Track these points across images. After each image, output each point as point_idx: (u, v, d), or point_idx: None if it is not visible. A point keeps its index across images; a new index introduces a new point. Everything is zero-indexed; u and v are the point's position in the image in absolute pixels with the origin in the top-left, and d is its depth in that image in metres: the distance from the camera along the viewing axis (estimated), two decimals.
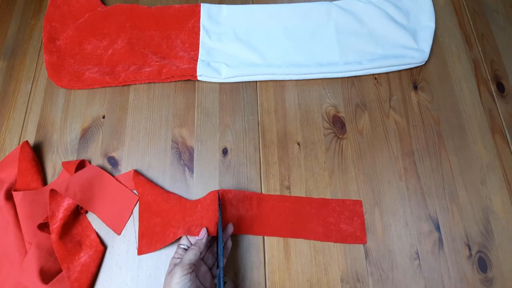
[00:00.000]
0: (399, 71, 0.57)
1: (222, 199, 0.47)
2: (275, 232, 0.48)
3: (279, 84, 0.57)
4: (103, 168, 0.51)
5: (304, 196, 0.49)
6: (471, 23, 0.60)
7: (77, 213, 0.49)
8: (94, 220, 0.49)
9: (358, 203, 0.49)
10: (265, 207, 0.49)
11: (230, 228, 0.45)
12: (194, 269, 0.38)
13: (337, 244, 0.47)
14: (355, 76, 0.56)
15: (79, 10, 0.62)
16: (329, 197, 0.49)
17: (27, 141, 0.51)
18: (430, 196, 0.49)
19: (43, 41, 0.58)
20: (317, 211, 0.48)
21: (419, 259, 0.46)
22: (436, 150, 0.52)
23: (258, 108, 0.55)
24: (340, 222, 0.48)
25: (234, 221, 0.47)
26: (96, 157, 0.52)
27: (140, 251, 0.46)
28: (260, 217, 0.48)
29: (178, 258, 0.41)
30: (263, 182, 0.51)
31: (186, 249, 0.42)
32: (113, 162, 0.52)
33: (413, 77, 0.57)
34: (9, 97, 0.57)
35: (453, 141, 0.52)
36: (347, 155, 0.52)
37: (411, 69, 0.57)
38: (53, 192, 0.46)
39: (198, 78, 0.56)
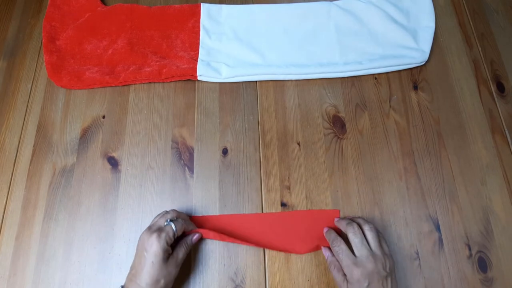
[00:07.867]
0: (399, 71, 0.57)
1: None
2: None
3: (279, 84, 0.57)
4: (103, 168, 0.51)
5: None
6: (471, 23, 0.60)
7: None
8: None
9: (336, 212, 0.49)
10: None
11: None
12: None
13: None
14: (355, 76, 0.56)
15: (79, 10, 0.62)
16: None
17: None
18: (430, 196, 0.49)
19: (43, 41, 0.58)
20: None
21: (419, 259, 0.46)
22: (436, 150, 0.52)
23: (258, 108, 0.55)
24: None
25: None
26: (96, 157, 0.52)
27: None
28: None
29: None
30: (263, 182, 0.51)
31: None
32: (113, 162, 0.52)
33: (413, 77, 0.57)
34: (9, 97, 0.57)
35: (453, 141, 0.52)
36: (347, 155, 0.52)
37: (411, 69, 0.57)
38: None
39: (198, 78, 0.56)
